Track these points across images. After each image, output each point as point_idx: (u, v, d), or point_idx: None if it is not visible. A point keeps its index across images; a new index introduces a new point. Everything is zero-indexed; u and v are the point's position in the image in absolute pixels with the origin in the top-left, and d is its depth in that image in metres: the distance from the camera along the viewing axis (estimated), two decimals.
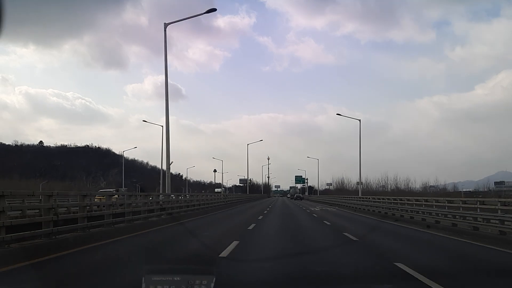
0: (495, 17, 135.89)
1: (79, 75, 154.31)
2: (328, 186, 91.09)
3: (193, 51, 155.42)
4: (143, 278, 3.24)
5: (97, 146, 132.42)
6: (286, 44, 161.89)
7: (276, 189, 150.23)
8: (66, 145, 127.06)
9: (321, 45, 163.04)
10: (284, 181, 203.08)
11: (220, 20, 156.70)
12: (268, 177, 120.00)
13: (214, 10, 23.62)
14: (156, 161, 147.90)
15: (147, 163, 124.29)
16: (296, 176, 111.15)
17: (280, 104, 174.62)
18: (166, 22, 23.12)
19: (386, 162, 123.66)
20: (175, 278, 3.26)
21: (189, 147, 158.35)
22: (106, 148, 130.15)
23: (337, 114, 48.76)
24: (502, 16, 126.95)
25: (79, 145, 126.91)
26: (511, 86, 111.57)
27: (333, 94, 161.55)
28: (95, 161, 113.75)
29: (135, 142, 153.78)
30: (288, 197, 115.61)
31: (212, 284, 3.11)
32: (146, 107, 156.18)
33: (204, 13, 23.38)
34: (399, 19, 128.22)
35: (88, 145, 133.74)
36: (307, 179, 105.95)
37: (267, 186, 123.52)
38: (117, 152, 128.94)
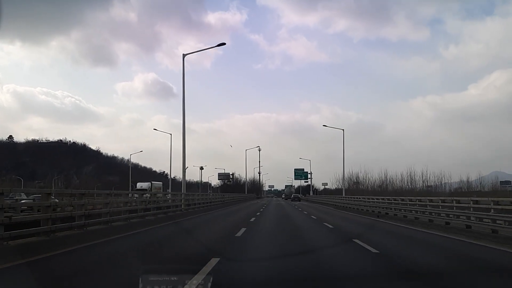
0: (489, 15, 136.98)
1: (67, 73, 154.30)
2: (324, 186, 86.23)
3: (183, 48, 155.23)
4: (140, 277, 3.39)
5: (71, 141, 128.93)
6: (278, 42, 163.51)
7: (269, 189, 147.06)
8: (38, 140, 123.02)
9: (313, 43, 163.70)
10: (278, 181, 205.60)
11: (211, 16, 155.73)
12: (259, 173, 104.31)
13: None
14: (144, 160, 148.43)
15: (128, 160, 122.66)
16: (295, 170, 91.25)
17: (273, 103, 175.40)
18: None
19: (380, 161, 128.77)
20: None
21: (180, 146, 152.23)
22: (82, 144, 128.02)
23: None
24: (496, 14, 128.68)
25: (51, 139, 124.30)
26: (505, 85, 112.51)
27: (327, 93, 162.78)
28: (69, 158, 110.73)
29: (127, 142, 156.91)
30: (282, 198, 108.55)
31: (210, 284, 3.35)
32: (137, 106, 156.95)
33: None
34: (392, 17, 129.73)
35: (61, 140, 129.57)
36: (311, 173, 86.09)
37: (256, 184, 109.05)
38: (94, 148, 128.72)
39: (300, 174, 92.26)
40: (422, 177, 50.38)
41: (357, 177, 62.54)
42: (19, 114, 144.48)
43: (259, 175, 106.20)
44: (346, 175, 53.64)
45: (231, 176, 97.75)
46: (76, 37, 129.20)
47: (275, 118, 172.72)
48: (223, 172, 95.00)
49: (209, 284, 3.57)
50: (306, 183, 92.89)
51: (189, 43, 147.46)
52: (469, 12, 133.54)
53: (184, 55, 26.54)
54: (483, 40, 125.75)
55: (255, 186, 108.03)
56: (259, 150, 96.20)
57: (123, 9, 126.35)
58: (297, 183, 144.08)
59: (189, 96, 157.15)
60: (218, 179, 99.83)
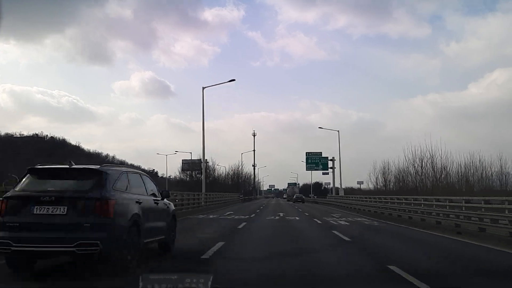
0: (491, 11, 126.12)
1: (63, 71, 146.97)
2: (359, 185, 67.02)
3: (180, 45, 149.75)
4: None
5: (49, 136, 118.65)
6: (277, 38, 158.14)
7: (270, 188, 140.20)
8: (12, 135, 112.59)
9: (312, 39, 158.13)
10: (278, 181, 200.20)
11: (208, 13, 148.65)
12: (254, 166, 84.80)
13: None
14: (135, 159, 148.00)
15: (113, 157, 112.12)
16: (308, 155, 60.48)
17: (272, 102, 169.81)
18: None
19: (381, 161, 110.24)
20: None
21: (179, 146, 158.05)
22: (61, 138, 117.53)
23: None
24: (498, 10, 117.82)
25: (25, 134, 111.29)
26: (507, 83, 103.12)
27: (326, 91, 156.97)
28: (45, 154, 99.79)
29: (127, 142, 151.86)
30: (284, 198, 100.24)
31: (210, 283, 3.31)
32: (135, 105, 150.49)
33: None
34: (392, 12, 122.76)
35: (37, 134, 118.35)
36: (333, 160, 56.69)
37: (247, 181, 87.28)
38: (74, 143, 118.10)
39: (315, 160, 60.33)
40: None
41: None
42: (17, 114, 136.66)
43: (254, 170, 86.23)
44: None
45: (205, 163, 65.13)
46: (71, 34, 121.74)
47: (274, 117, 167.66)
48: (189, 159, 61.21)
49: None
50: (326, 173, 62.52)
51: (186, 40, 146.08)
52: (471, 8, 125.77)
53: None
54: (485, 37, 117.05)
55: (244, 183, 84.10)
56: (254, 135, 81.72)
57: (119, 5, 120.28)
58: (302, 178, 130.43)
59: (188, 95, 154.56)
60: (183, 170, 66.43)
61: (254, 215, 23.62)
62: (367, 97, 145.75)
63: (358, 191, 57.90)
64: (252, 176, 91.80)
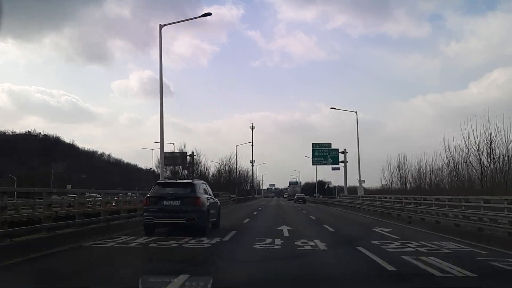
0: (491, 11, 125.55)
1: (62, 71, 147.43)
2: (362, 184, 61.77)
3: (179, 44, 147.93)
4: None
5: (42, 134, 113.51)
6: (276, 38, 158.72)
7: (270, 187, 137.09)
8: (5, 132, 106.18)
9: (312, 39, 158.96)
10: (279, 181, 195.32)
11: (206, 11, 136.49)
12: (252, 162, 76.55)
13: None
14: (138, 160, 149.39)
15: (108, 155, 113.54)
16: (314, 146, 50.83)
17: (271, 102, 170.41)
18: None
19: (382, 161, 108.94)
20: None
21: (178, 146, 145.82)
22: (55, 136, 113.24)
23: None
24: (498, 10, 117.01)
25: (18, 131, 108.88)
26: (507, 83, 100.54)
27: (326, 91, 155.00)
28: (38, 153, 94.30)
29: (127, 142, 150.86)
30: (285, 198, 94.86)
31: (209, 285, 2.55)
32: (134, 105, 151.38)
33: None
34: (392, 12, 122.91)
35: (30, 132, 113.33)
36: (345, 152, 48.65)
37: (244, 178, 77.50)
38: (68, 141, 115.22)
39: (323, 153, 49.73)
40: None
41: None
42: (16, 114, 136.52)
43: (252, 166, 77.01)
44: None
45: (189, 159, 51.37)
46: (69, 33, 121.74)
47: (274, 118, 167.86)
48: (170, 152, 48.80)
49: None
50: (336, 169, 51.15)
51: (185, 39, 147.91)
52: (471, 7, 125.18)
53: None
54: (485, 37, 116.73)
55: (241, 181, 72.67)
56: (252, 129, 75.08)
57: (117, 4, 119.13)
58: (303, 177, 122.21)
59: (187, 95, 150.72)
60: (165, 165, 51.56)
61: (234, 233, 12.59)
62: (367, 97, 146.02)
63: (377, 191, 47.16)
64: (250, 174, 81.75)
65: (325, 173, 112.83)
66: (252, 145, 79.97)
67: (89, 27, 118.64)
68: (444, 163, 31.77)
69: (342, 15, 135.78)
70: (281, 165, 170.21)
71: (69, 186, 62.28)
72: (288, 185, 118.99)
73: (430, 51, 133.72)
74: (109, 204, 15.86)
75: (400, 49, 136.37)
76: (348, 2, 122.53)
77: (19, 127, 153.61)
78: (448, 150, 30.44)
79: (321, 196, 79.96)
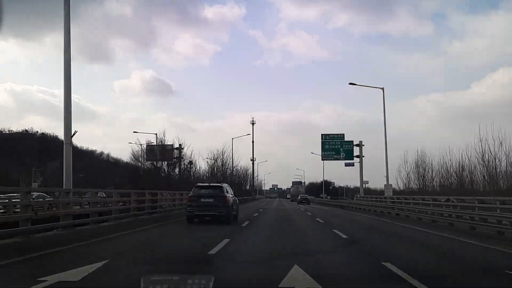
0: (494, 9, 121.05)
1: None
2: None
3: (181, 43, 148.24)
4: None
5: (39, 132, 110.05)
6: (278, 37, 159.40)
7: (273, 188, 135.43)
8: (1, 131, 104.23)
9: (314, 38, 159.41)
10: (281, 181, 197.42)
11: (208, 10, 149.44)
12: (253, 160, 72.86)
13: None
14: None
15: (107, 154, 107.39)
16: (324, 137, 42.63)
17: (273, 102, 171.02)
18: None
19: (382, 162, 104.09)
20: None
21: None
22: (53, 135, 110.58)
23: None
24: (501, 8, 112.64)
25: (14, 130, 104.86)
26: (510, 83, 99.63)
27: (328, 90, 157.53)
28: (35, 151, 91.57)
29: (127, 141, 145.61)
30: (287, 199, 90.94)
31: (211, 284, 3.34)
32: (135, 104, 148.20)
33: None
34: (395, 10, 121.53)
35: (27, 130, 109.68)
36: (361, 145, 40.71)
37: (244, 177, 69.87)
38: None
39: (335, 146, 41.76)
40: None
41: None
42: (18, 113, 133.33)
43: (253, 163, 72.07)
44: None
45: (176, 153, 42.84)
46: (71, 33, 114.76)
47: (276, 117, 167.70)
48: (151, 143, 41.53)
49: None
50: (349, 165, 42.44)
51: (186, 39, 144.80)
52: (474, 6, 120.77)
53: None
54: (488, 36, 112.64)
55: (238, 179, 63.29)
56: (252, 124, 70.90)
57: (118, 2, 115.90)
58: (307, 177, 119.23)
59: (188, 94, 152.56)
60: (147, 159, 44.18)
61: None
62: (368, 97, 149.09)
63: (399, 192, 39.00)
64: (250, 172, 73.92)
65: (327, 173, 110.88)
66: (253, 141, 75.34)
67: (90, 26, 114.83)
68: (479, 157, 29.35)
69: (344, 13, 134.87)
70: (284, 165, 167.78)
71: (36, 184, 54.83)
72: (291, 185, 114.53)
73: (433, 50, 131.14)
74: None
75: (403, 47, 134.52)
76: (350, 1, 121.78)
77: (20, 126, 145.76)
78: (486, 143, 28.44)
79: (328, 197, 72.30)
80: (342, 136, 42.56)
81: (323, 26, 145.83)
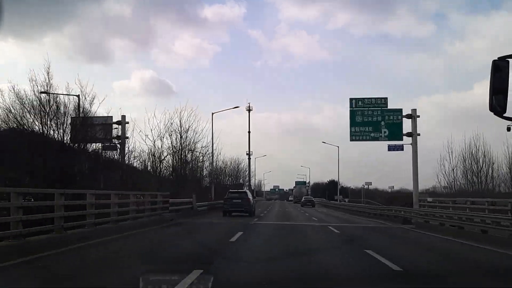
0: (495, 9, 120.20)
1: (63, 71, 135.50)
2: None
3: (181, 44, 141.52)
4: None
5: (29, 129, 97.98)
6: (278, 37, 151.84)
7: (274, 189, 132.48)
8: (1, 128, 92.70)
9: (314, 38, 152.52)
10: (282, 183, 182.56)
11: (208, 10, 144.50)
12: (249, 154, 63.62)
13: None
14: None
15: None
16: (355, 104, 26.56)
17: (273, 102, 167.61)
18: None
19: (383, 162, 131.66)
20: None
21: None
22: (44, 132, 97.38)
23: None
24: (503, 9, 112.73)
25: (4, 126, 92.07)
26: None
27: (328, 91, 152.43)
28: (23, 149, 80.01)
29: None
30: (290, 201, 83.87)
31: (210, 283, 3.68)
32: (136, 105, 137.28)
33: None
34: (396, 11, 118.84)
35: (16, 127, 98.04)
36: (416, 116, 26.07)
37: (236, 174, 54.91)
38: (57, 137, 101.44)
39: (373, 118, 26.14)
40: None
41: None
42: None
43: (249, 158, 63.06)
44: None
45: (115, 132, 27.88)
46: (70, 33, 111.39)
47: (276, 118, 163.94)
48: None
49: None
50: (397, 148, 26.77)
51: (186, 39, 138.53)
52: (475, 6, 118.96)
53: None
54: (489, 36, 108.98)
55: (225, 173, 49.08)
56: (249, 110, 65.11)
57: (117, 2, 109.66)
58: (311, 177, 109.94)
59: (188, 94, 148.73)
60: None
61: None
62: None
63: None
64: (243, 167, 59.83)
65: (328, 173, 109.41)
66: (249, 132, 65.53)
67: (90, 26, 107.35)
68: None
69: (345, 13, 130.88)
70: (285, 166, 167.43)
71: None
72: (294, 185, 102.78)
73: (434, 51, 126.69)
74: None
75: (404, 48, 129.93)
76: (350, 0, 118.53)
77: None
78: None
79: (346, 200, 57.44)
80: (384, 101, 26.35)
81: (323, 26, 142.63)
